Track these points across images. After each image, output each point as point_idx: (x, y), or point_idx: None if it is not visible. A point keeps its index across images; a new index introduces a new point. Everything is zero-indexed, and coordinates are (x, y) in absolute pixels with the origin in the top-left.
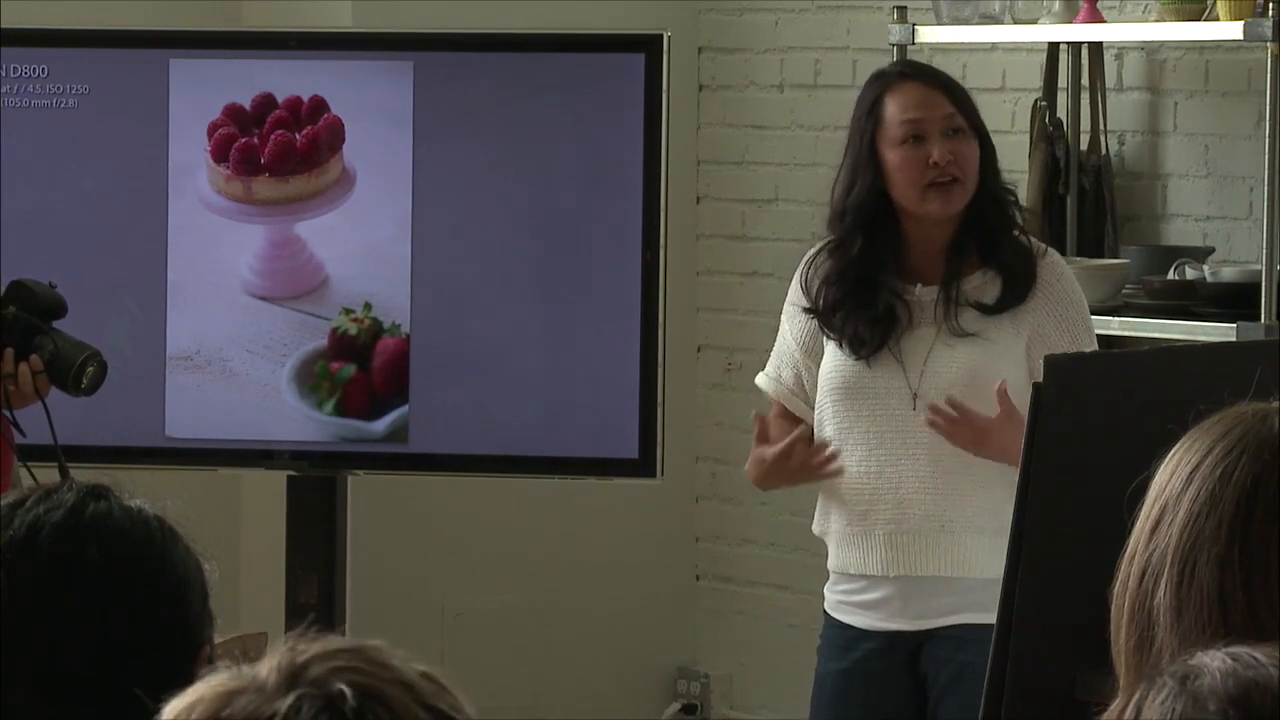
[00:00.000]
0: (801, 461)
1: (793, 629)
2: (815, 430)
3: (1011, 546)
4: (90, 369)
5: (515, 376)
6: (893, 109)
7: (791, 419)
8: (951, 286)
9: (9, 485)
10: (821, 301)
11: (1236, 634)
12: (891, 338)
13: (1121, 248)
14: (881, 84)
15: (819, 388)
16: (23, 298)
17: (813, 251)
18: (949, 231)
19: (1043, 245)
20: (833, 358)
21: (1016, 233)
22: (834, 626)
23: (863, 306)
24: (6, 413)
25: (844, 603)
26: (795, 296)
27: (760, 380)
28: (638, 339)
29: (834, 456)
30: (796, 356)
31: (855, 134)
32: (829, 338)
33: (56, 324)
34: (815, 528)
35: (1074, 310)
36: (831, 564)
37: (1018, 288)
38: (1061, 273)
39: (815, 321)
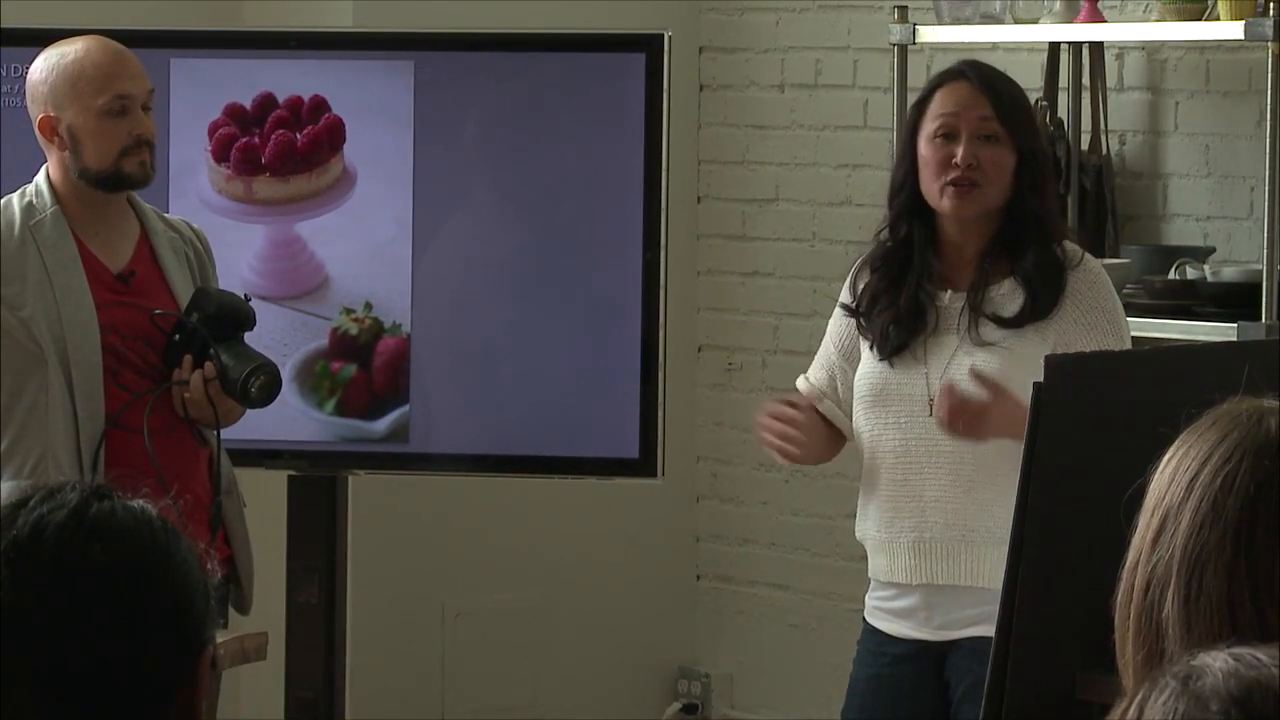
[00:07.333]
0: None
1: (793, 628)
2: (855, 438)
3: (1012, 546)
4: (260, 379)
5: (515, 376)
6: (935, 104)
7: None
8: (977, 294)
9: (204, 486)
10: (864, 293)
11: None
12: (916, 340)
13: (1122, 247)
14: (938, 79)
15: (854, 397)
16: (205, 306)
17: (869, 249)
18: (982, 239)
19: (1079, 253)
20: (865, 364)
21: (1054, 245)
22: (869, 632)
23: (895, 304)
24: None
25: (878, 609)
26: (842, 295)
27: (798, 383)
28: (638, 339)
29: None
30: (834, 359)
31: (905, 125)
32: (863, 338)
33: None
34: (856, 531)
35: (1104, 318)
36: (869, 570)
37: (1038, 302)
38: (1094, 281)
39: (854, 323)
